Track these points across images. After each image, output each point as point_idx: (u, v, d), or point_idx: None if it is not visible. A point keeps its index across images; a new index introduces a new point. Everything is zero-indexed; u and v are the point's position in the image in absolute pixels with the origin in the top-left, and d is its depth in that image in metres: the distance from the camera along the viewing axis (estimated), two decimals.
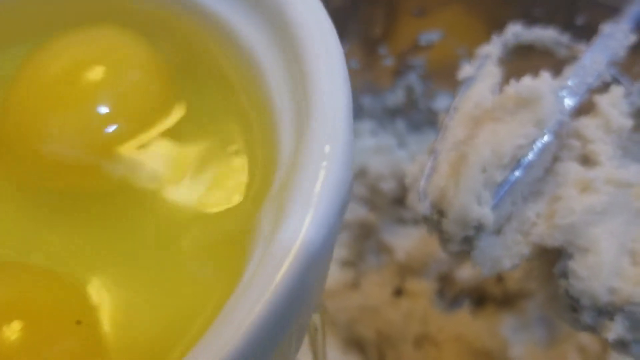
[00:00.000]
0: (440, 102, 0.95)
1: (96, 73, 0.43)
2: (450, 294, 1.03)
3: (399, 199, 1.03)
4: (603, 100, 0.54)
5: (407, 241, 0.98)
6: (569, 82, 0.55)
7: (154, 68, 0.44)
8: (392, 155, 0.97)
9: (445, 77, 0.95)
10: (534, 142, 0.51)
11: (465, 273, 0.99)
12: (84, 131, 0.41)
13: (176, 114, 0.44)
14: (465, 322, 0.87)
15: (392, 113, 0.98)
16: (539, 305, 0.98)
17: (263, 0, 0.42)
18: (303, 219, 0.32)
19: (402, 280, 0.95)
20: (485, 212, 0.51)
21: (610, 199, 0.49)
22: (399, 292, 0.93)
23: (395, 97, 0.96)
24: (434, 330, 0.88)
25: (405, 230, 1.01)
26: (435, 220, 0.56)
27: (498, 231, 0.53)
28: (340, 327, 0.88)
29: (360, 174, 0.97)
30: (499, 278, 1.01)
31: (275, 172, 0.38)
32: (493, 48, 0.64)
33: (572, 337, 0.94)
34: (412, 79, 0.94)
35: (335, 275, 0.93)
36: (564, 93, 0.54)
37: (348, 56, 0.93)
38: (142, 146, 0.41)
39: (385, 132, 0.98)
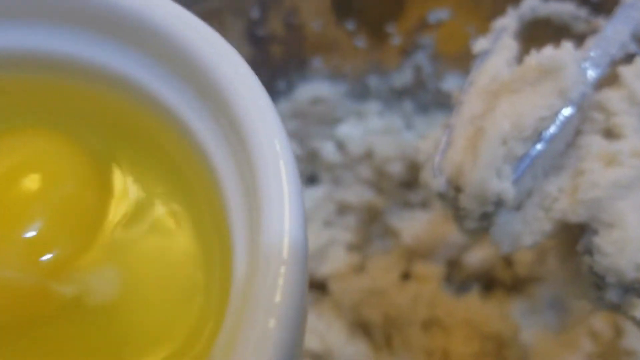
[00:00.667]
0: (450, 83, 0.92)
1: (25, 191, 0.38)
2: (459, 278, 1.01)
3: (406, 182, 1.01)
4: (627, 72, 0.52)
5: (414, 225, 0.96)
6: (592, 53, 0.52)
7: (89, 173, 0.40)
8: (399, 137, 0.95)
9: (455, 56, 0.92)
10: (556, 114, 0.49)
11: (475, 257, 0.97)
12: (18, 256, 0.36)
13: (119, 214, 0.40)
14: (474, 306, 0.85)
15: (400, 94, 0.96)
16: (557, 287, 0.96)
17: (208, 91, 0.38)
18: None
19: (409, 264, 0.93)
20: (505, 187, 0.49)
21: (636, 173, 0.47)
22: (406, 276, 0.91)
23: (403, 77, 0.94)
24: (442, 314, 0.86)
25: (412, 214, 0.98)
26: (451, 196, 0.53)
27: (518, 207, 0.51)
28: (345, 311, 0.86)
29: (366, 156, 0.95)
30: (509, 262, 0.99)
31: (230, 289, 0.35)
32: (509, 20, 0.61)
33: (583, 322, 0.92)
34: (421, 58, 0.92)
35: (340, 259, 0.91)
36: (587, 64, 0.52)
37: (354, 35, 0.92)
38: (87, 260, 0.37)
39: (392, 113, 0.96)
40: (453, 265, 1.01)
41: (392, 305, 0.83)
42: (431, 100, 0.97)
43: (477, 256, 0.96)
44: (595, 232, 0.47)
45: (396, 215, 0.99)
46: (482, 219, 0.52)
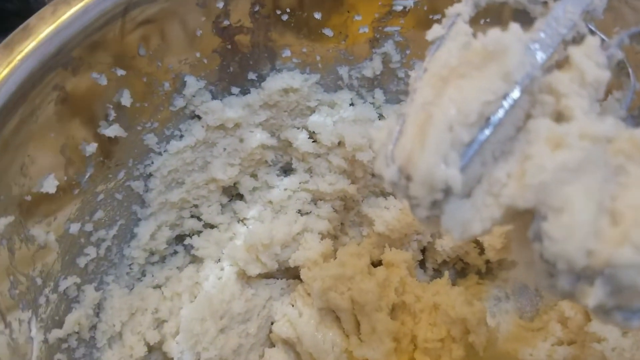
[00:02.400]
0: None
1: None
2: (432, 264, 0.98)
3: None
4: (577, 52, 0.48)
5: (388, 213, 0.93)
6: (541, 34, 0.49)
7: None
8: (370, 126, 0.92)
9: (424, 44, 0.89)
10: (503, 97, 0.46)
11: (447, 243, 0.94)
12: None
13: None
14: (442, 292, 0.82)
15: (371, 83, 0.93)
16: (519, 275, 0.93)
17: None
18: None
19: (381, 252, 0.90)
20: (452, 174, 0.45)
21: (586, 155, 0.44)
22: (378, 262, 0.89)
23: (373, 66, 0.90)
24: (411, 300, 0.82)
25: (386, 202, 0.95)
26: (403, 185, 0.50)
27: (468, 194, 0.48)
28: (315, 296, 0.83)
29: (339, 145, 0.91)
30: (481, 249, 0.96)
31: None
32: (464, 6, 0.58)
33: (554, 308, 0.89)
34: (389, 47, 0.88)
35: (313, 247, 0.88)
36: (536, 46, 0.48)
37: (323, 25, 0.88)
38: None
39: (363, 103, 0.93)
40: (426, 252, 0.98)
41: (361, 291, 0.80)
42: (402, 90, 0.94)
43: (450, 242, 0.93)
44: (544, 217, 0.43)
45: (370, 203, 0.96)
46: (432, 207, 0.48)
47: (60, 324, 0.69)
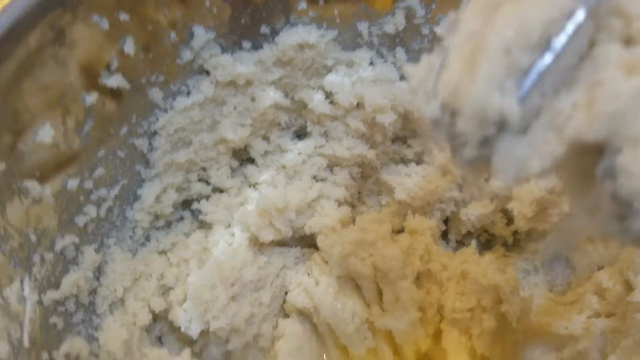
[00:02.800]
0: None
1: None
2: (455, 236, 0.92)
3: (400, 137, 0.91)
4: None
5: (409, 180, 0.87)
6: None
7: None
8: (391, 87, 0.85)
9: None
10: (567, 16, 0.40)
11: (473, 212, 0.88)
12: None
13: None
14: (471, 260, 0.76)
15: (392, 41, 0.86)
16: (561, 242, 0.87)
17: None
18: None
19: (402, 221, 0.84)
20: (509, 103, 0.39)
21: None
22: (399, 231, 0.83)
23: (395, 22, 0.84)
24: (437, 269, 0.77)
25: (407, 169, 0.89)
26: (446, 122, 0.44)
27: (524, 129, 0.42)
28: (334, 265, 0.77)
29: (357, 107, 0.85)
30: (509, 218, 0.90)
31: None
32: None
33: (590, 279, 0.83)
34: (413, 0, 0.82)
35: (330, 214, 0.82)
36: None
37: None
38: None
39: (384, 62, 0.86)
40: (450, 222, 0.92)
41: (384, 257, 0.74)
42: (426, 48, 0.87)
43: (476, 211, 0.87)
44: (617, 150, 0.38)
45: (390, 171, 0.90)
46: (482, 146, 0.42)
47: (56, 286, 0.64)
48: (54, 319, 0.63)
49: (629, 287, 0.75)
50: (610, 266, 0.80)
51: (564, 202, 0.84)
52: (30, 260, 0.60)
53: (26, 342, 0.57)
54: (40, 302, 0.61)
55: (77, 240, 0.67)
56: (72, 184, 0.66)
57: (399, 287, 0.74)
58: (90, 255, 0.68)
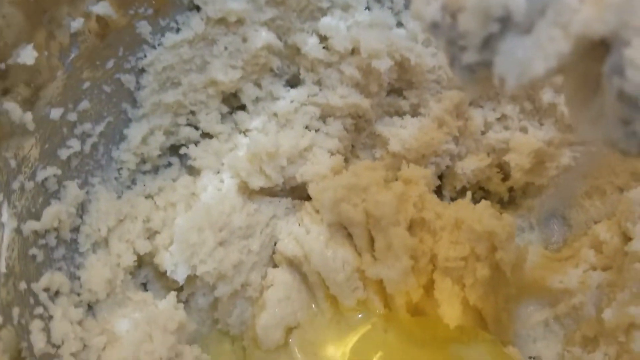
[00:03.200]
0: None
1: None
2: (450, 192, 0.90)
3: (396, 89, 0.89)
4: None
5: (404, 131, 0.85)
6: None
7: None
8: (388, 33, 0.83)
9: None
10: None
11: (468, 166, 0.86)
12: None
13: None
14: (465, 209, 0.74)
15: None
16: (557, 197, 0.85)
17: None
18: None
19: (395, 174, 0.82)
20: None
21: None
22: (392, 180, 0.81)
23: None
24: (431, 217, 0.74)
25: (402, 122, 0.87)
26: (447, 25, 0.42)
27: (528, 29, 0.40)
28: (326, 212, 0.75)
29: (352, 53, 0.83)
30: (506, 174, 0.88)
31: None
32: None
33: (587, 233, 0.82)
34: None
35: (322, 162, 0.80)
36: None
37: None
38: None
39: (381, 7, 0.84)
40: (445, 178, 0.90)
41: (376, 203, 0.72)
42: None
43: (472, 165, 0.85)
44: (626, 43, 0.36)
45: (385, 122, 0.88)
46: (484, 48, 0.41)
47: (37, 217, 0.62)
48: (33, 251, 0.61)
49: (626, 238, 0.74)
50: (608, 219, 0.78)
51: (562, 155, 0.83)
52: (9, 186, 0.58)
53: (3, 268, 0.55)
54: (19, 231, 0.59)
55: (59, 172, 0.65)
56: (55, 113, 0.63)
57: (391, 234, 0.72)
58: (73, 190, 0.66)
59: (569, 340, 0.77)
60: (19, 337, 0.54)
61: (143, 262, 0.75)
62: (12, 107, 0.57)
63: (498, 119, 0.86)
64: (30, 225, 0.60)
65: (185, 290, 0.76)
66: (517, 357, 0.73)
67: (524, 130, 0.84)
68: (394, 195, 0.73)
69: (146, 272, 0.76)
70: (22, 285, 0.58)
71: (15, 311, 0.55)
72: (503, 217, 0.70)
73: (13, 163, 0.59)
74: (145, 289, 0.76)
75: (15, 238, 0.58)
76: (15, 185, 0.59)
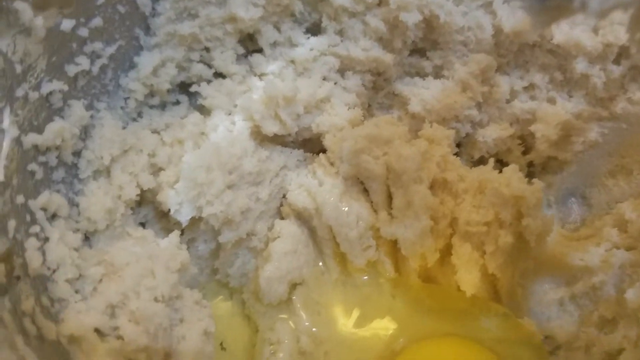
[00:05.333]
0: None
1: None
2: (467, 162, 0.86)
3: (420, 49, 0.86)
4: None
5: (426, 92, 0.81)
6: None
7: None
8: None
9: None
10: None
11: (490, 134, 0.83)
12: None
13: None
14: (490, 174, 0.70)
15: None
16: (580, 173, 0.82)
17: None
18: None
19: (414, 136, 0.78)
20: None
21: None
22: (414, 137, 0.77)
23: None
24: (454, 178, 0.71)
25: (424, 83, 0.84)
26: None
27: None
28: (343, 159, 0.71)
29: (380, 4, 0.79)
30: (527, 147, 0.85)
31: None
32: None
33: (610, 212, 0.79)
34: None
35: (340, 114, 0.76)
36: None
37: None
38: None
39: None
40: (463, 146, 0.87)
41: (399, 157, 0.68)
42: None
43: (494, 133, 0.82)
44: None
45: (405, 82, 0.85)
46: None
47: (39, 130, 0.57)
48: (33, 167, 0.56)
49: None
50: (635, 199, 0.75)
51: (590, 130, 0.80)
52: (12, 92, 0.53)
53: (1, 176, 0.51)
54: (19, 143, 0.54)
55: (65, 88, 0.60)
56: (67, 25, 0.59)
57: (412, 191, 0.68)
58: (78, 111, 0.62)
59: (585, 320, 0.74)
60: (14, 252, 0.50)
61: (144, 200, 0.70)
62: (23, 8, 0.53)
63: (525, 88, 0.83)
64: (32, 139, 0.56)
65: (185, 235, 0.71)
66: (532, 329, 0.70)
67: (551, 101, 0.81)
68: (418, 151, 0.69)
69: (146, 211, 0.71)
70: (20, 199, 0.53)
71: (11, 224, 0.51)
72: (533, 182, 0.67)
73: (19, 68, 0.54)
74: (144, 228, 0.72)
75: (15, 149, 0.54)
76: (19, 92, 0.54)
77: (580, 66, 0.78)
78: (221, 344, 0.73)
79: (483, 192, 0.70)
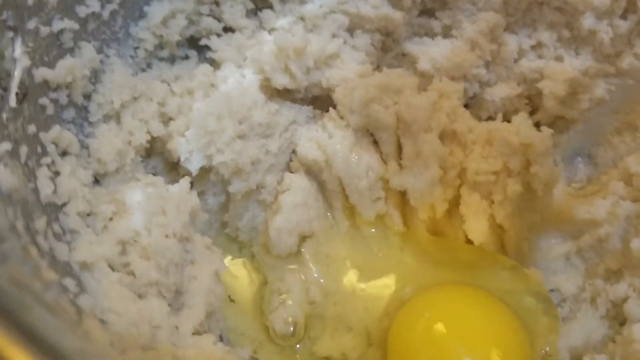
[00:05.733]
0: None
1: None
2: (479, 117, 0.87)
3: (429, 9, 0.85)
4: None
5: (435, 49, 0.81)
6: None
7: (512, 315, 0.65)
8: None
9: None
10: None
11: (497, 93, 0.83)
12: None
13: None
14: (498, 126, 0.71)
15: None
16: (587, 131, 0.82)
17: None
18: None
19: (426, 85, 0.78)
20: None
21: None
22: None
23: None
24: (463, 129, 0.71)
25: (432, 42, 0.84)
26: None
27: None
28: (354, 109, 0.71)
29: None
30: (534, 108, 0.85)
31: None
32: None
33: (616, 166, 0.79)
34: None
35: (351, 68, 0.76)
36: None
37: None
38: None
39: None
40: (470, 108, 0.87)
41: (409, 106, 0.68)
42: None
43: (501, 93, 0.82)
44: None
45: (414, 42, 0.84)
46: None
47: (50, 65, 0.57)
48: (44, 101, 0.56)
49: None
50: None
51: (596, 87, 0.80)
52: (24, 24, 0.53)
53: (12, 102, 0.51)
54: (30, 75, 0.54)
55: (76, 27, 0.60)
56: None
57: (422, 140, 0.68)
58: (89, 52, 0.61)
59: (591, 273, 0.74)
60: (25, 176, 0.50)
61: (153, 151, 0.70)
62: None
63: (533, 47, 0.83)
64: (43, 73, 0.55)
65: (194, 188, 0.71)
66: (539, 279, 0.70)
67: (559, 59, 0.81)
68: (429, 101, 0.69)
69: (155, 162, 0.71)
70: (31, 129, 0.53)
71: (23, 150, 0.51)
72: (542, 129, 0.67)
73: (30, 0, 0.54)
74: None
75: (27, 81, 0.53)
76: (31, 25, 0.54)
77: (587, 22, 0.78)
78: (229, 296, 0.73)
79: (492, 144, 0.70)
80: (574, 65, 0.79)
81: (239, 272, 0.74)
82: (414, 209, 0.72)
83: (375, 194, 0.72)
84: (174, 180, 0.71)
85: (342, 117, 0.74)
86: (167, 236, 0.57)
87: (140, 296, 0.55)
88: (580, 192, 0.81)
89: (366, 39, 0.82)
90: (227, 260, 0.75)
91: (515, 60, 0.83)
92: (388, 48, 0.85)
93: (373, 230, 0.75)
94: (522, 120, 0.68)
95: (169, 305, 0.56)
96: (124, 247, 0.56)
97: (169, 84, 0.72)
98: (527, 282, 0.71)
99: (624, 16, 0.77)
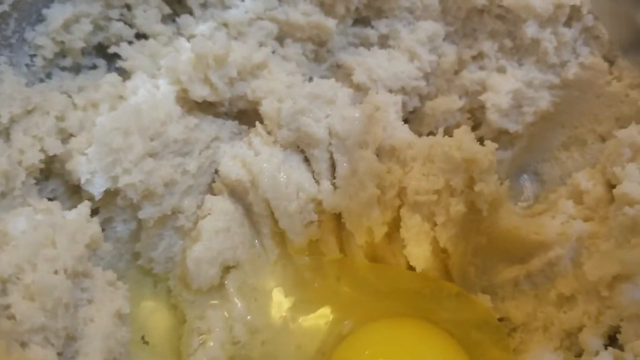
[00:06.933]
0: None
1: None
2: (419, 133, 0.82)
3: (364, 17, 0.81)
4: None
5: (371, 60, 0.76)
6: None
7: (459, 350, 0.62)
8: None
9: None
10: None
11: (438, 107, 0.78)
12: None
13: None
14: (439, 141, 0.65)
15: None
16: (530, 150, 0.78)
17: None
18: None
19: (361, 98, 0.72)
20: None
21: None
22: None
23: None
24: (402, 145, 0.66)
25: (369, 53, 0.78)
26: None
27: None
28: (282, 123, 0.64)
29: None
30: (476, 123, 0.81)
31: None
32: None
33: (565, 183, 0.75)
34: None
35: (280, 79, 0.69)
36: None
37: None
38: None
39: None
40: (411, 122, 0.82)
41: (343, 119, 0.62)
42: None
43: (441, 106, 0.78)
44: None
45: (350, 52, 0.79)
46: None
47: None
48: None
49: (611, 187, 0.67)
50: (590, 168, 0.72)
51: (541, 99, 0.76)
52: None
53: None
54: None
55: None
56: None
57: (357, 156, 0.63)
58: None
59: (542, 299, 0.69)
60: None
61: (52, 172, 0.62)
62: None
63: (474, 58, 0.79)
64: None
65: (101, 214, 0.63)
66: (487, 306, 0.65)
67: (501, 70, 0.78)
68: (364, 113, 0.63)
69: (54, 185, 0.63)
70: None
71: None
72: (486, 143, 0.62)
73: None
74: None
75: None
76: None
77: (530, 30, 0.75)
78: (143, 337, 0.65)
79: (433, 161, 0.65)
80: (517, 77, 0.76)
81: (153, 310, 0.66)
82: (350, 234, 0.66)
83: (307, 217, 0.66)
84: (76, 206, 0.63)
85: (269, 133, 0.68)
86: (56, 272, 0.49)
87: (23, 345, 0.46)
88: (527, 211, 0.77)
89: (297, 48, 0.77)
90: (140, 296, 0.66)
91: (456, 72, 0.79)
92: (321, 59, 0.80)
93: (306, 258, 0.68)
94: (464, 134, 0.63)
95: (59, 354, 0.47)
96: (4, 287, 0.47)
97: (70, 96, 0.64)
98: (474, 311, 0.66)
99: (568, 24, 0.74)
